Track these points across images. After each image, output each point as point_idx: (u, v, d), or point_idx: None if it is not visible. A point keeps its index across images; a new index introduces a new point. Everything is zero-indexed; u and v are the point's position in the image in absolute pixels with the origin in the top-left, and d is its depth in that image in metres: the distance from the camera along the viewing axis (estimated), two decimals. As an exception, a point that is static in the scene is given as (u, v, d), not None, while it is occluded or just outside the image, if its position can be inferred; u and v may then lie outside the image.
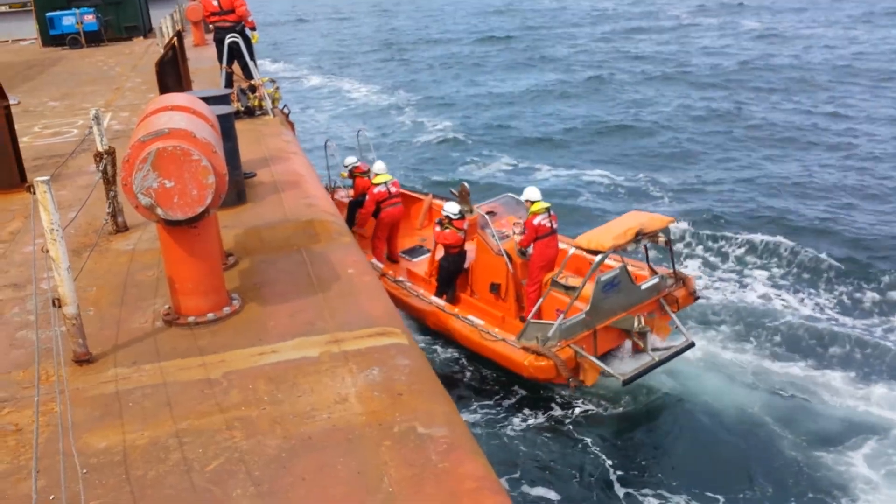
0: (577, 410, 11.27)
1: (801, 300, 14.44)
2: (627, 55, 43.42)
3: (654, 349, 11.04)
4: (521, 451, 10.48)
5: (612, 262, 11.76)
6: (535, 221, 11.84)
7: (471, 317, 11.71)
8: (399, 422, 4.39)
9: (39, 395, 4.52)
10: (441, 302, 12.36)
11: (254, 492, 3.91)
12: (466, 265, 13.12)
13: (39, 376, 5.04)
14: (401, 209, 14.38)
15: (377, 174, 14.38)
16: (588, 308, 10.61)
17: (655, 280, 11.53)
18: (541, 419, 11.14)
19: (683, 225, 17.42)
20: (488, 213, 13.40)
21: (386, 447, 4.17)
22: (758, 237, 16.73)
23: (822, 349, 12.64)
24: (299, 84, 42.36)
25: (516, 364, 10.59)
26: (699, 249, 16.74)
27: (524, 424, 11.03)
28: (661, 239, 11.31)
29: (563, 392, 11.48)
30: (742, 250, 16.47)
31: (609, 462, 10.23)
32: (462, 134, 28.29)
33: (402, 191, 14.88)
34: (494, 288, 12.45)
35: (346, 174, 15.42)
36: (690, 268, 15.69)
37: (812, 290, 14.76)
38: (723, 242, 16.80)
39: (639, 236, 10.81)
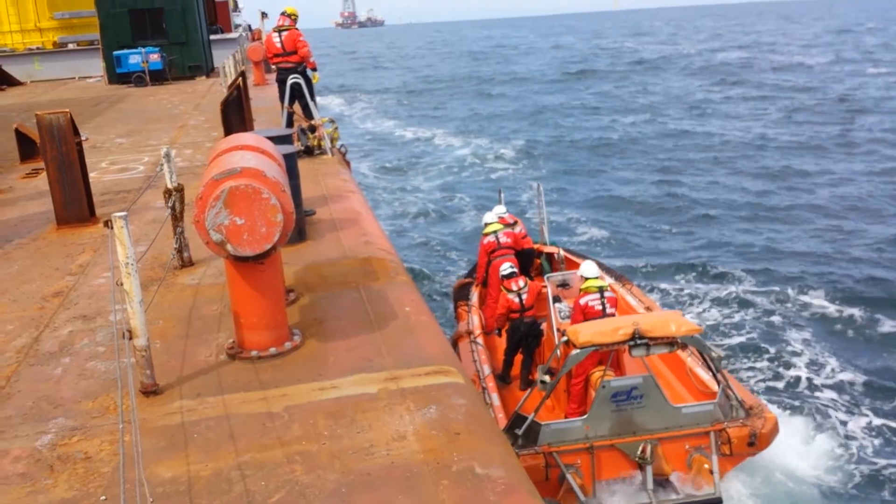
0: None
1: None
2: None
3: (665, 492, 9.07)
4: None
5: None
6: (583, 301, 10.22)
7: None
8: (457, 461, 4.42)
9: (115, 424, 4.68)
10: None
11: (315, 526, 3.98)
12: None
13: (109, 406, 5.24)
14: (513, 262, 12.30)
15: (487, 223, 13.49)
16: (585, 416, 9.00)
17: (707, 407, 9.15)
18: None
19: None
20: (561, 284, 11.95)
21: (444, 486, 4.20)
22: None
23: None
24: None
25: None
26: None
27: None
28: (687, 349, 9.32)
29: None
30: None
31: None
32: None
33: (530, 244, 13.56)
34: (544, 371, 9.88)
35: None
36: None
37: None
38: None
39: (637, 338, 8.60)
